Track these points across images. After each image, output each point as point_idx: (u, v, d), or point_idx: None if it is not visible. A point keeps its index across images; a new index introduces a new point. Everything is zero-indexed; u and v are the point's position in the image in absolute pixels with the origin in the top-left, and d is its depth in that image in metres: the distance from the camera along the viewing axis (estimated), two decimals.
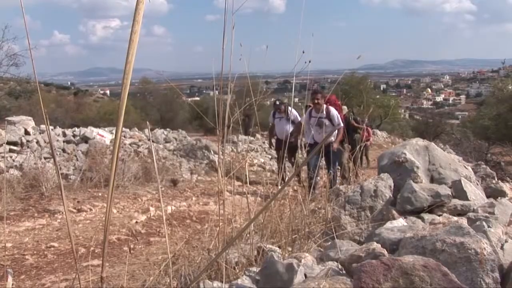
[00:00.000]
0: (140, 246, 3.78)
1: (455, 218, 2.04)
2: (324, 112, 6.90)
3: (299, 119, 7.65)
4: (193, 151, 9.36)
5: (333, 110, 6.90)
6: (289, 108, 7.76)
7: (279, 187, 4.82)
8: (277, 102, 8.34)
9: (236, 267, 2.02)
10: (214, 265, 2.00)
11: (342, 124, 6.95)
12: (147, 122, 2.99)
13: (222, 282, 1.87)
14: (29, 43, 1.35)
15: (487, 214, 2.06)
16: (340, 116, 6.90)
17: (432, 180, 2.75)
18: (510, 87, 26.41)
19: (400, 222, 2.13)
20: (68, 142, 7.99)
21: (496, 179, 3.30)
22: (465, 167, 2.94)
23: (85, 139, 8.17)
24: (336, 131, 6.62)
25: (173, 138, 10.30)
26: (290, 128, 7.44)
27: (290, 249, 2.16)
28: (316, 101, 6.75)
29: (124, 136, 9.23)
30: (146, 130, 10.62)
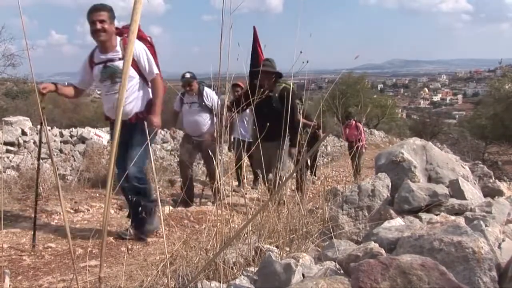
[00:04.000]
0: (137, 247, 3.77)
1: (453, 218, 2.04)
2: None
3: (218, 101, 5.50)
4: None
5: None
6: (205, 89, 5.74)
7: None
8: (187, 75, 5.65)
9: (234, 267, 2.01)
10: (212, 265, 2.00)
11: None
12: (145, 122, 2.98)
13: (220, 282, 1.87)
14: (27, 43, 1.35)
15: (484, 213, 2.07)
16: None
17: (430, 179, 2.75)
18: (506, 87, 26.52)
19: (398, 221, 2.13)
20: (65, 142, 7.97)
21: (493, 179, 3.31)
22: (462, 166, 2.95)
23: (82, 140, 8.16)
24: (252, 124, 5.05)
25: (171, 138, 10.30)
26: (207, 120, 5.69)
27: (288, 249, 2.16)
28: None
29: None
30: None
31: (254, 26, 5.53)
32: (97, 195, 5.65)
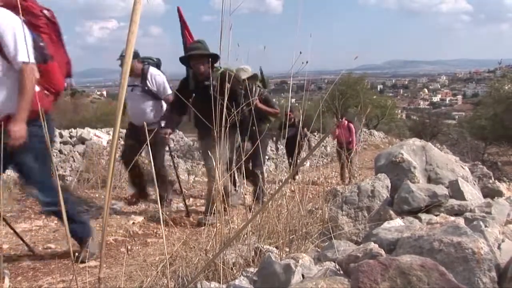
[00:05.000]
0: (137, 247, 3.77)
1: (452, 218, 2.04)
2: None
3: (167, 92, 4.88)
4: (190, 152, 9.36)
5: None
6: (150, 69, 4.85)
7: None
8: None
9: (233, 268, 2.01)
10: (211, 265, 2.00)
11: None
12: (144, 123, 2.98)
13: (220, 282, 1.87)
14: (26, 44, 1.35)
15: (484, 214, 2.07)
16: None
17: (429, 180, 2.75)
18: (506, 87, 26.53)
19: (398, 222, 2.14)
20: (64, 143, 7.98)
21: (493, 179, 3.31)
22: (462, 167, 2.95)
23: (82, 140, 8.16)
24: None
25: (170, 139, 10.28)
26: (151, 107, 4.87)
27: (287, 249, 2.16)
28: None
29: (121, 137, 9.19)
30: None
31: (178, 7, 4.91)
32: (97, 195, 5.65)
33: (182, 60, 4.40)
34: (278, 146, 10.01)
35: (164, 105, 4.92)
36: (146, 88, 4.79)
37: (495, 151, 27.21)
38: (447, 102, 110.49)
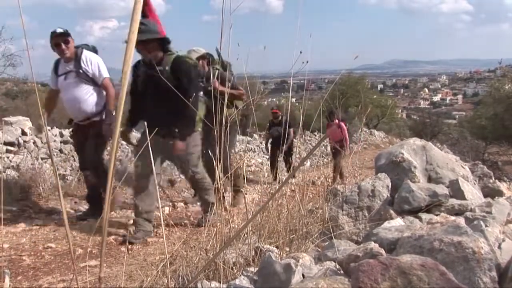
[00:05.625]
0: (137, 247, 3.77)
1: (453, 218, 2.04)
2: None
3: (104, 75, 4.25)
4: None
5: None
6: (84, 52, 4.22)
7: None
8: (58, 30, 4.07)
9: (233, 267, 2.02)
10: (211, 265, 2.00)
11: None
12: (144, 123, 2.98)
13: (220, 282, 1.87)
14: (27, 43, 1.35)
15: (484, 214, 2.07)
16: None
17: (430, 179, 2.75)
18: (506, 87, 26.52)
19: (398, 221, 2.13)
20: (65, 142, 7.96)
21: (493, 179, 3.31)
22: (462, 166, 2.95)
23: None
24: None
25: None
26: (89, 95, 4.20)
27: (288, 249, 2.16)
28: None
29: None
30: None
31: None
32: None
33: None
34: (268, 146, 9.92)
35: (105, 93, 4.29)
36: (80, 71, 4.15)
37: (496, 151, 27.21)
38: (448, 101, 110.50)
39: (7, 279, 2.04)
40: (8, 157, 6.55)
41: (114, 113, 4.13)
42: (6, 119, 7.72)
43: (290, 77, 2.50)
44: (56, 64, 4.29)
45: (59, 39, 4.06)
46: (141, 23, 3.48)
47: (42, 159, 6.87)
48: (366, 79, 39.99)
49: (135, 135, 4.50)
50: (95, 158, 4.22)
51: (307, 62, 2.44)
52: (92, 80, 4.20)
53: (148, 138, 1.59)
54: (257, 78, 5.49)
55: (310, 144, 14.31)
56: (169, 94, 3.07)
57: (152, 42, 3.67)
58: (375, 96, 37.03)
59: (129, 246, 3.70)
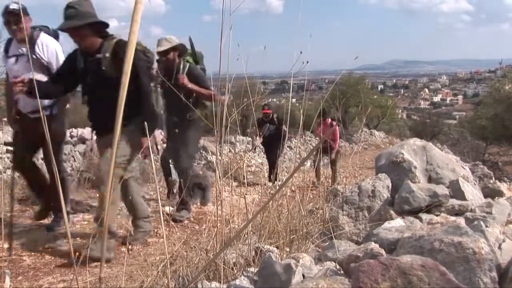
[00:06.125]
0: (138, 247, 3.77)
1: (453, 218, 2.04)
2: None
3: (58, 55, 3.70)
4: None
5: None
6: (42, 35, 3.66)
7: None
8: (12, 6, 3.41)
9: (234, 268, 2.02)
10: (212, 265, 2.00)
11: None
12: (145, 123, 2.97)
13: (220, 282, 1.87)
14: (27, 43, 1.35)
15: (484, 214, 2.07)
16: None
17: (430, 180, 2.75)
18: (507, 87, 26.51)
19: (398, 222, 2.13)
20: (65, 143, 7.97)
21: (493, 179, 3.31)
22: (462, 167, 2.95)
23: (82, 140, 8.15)
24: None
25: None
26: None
27: (288, 249, 2.16)
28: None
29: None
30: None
31: None
32: (97, 195, 5.64)
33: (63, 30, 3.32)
34: (256, 143, 9.77)
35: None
36: (34, 56, 3.57)
37: (496, 151, 27.21)
38: (448, 102, 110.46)
39: (7, 279, 2.04)
40: (8, 157, 6.55)
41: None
42: (6, 119, 7.72)
43: (290, 77, 2.50)
44: (8, 43, 3.70)
45: (10, 17, 3.44)
46: (70, 7, 3.15)
47: (41, 159, 6.88)
48: (367, 79, 39.96)
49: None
50: (51, 162, 3.66)
51: (307, 62, 2.44)
52: (46, 69, 3.66)
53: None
54: (257, 78, 5.49)
55: (310, 144, 14.30)
56: (109, 83, 2.61)
57: (84, 28, 3.16)
58: (375, 96, 37.01)
59: (129, 247, 3.70)
